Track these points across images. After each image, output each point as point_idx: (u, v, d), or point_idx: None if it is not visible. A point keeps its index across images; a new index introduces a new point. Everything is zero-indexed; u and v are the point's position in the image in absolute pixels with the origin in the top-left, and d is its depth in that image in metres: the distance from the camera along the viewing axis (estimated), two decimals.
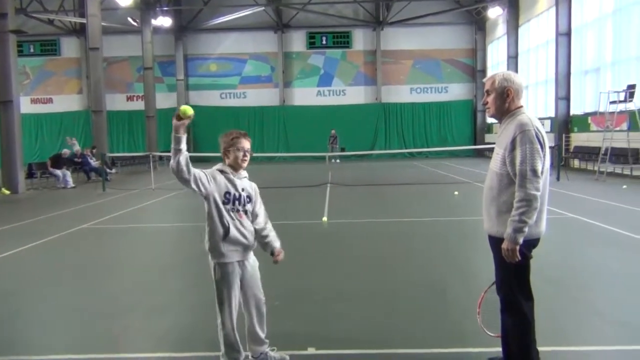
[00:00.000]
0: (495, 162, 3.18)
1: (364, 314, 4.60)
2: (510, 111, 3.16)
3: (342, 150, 28.34)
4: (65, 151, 19.07)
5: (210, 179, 3.28)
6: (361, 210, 10.87)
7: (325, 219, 9.60)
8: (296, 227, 9.17)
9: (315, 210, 10.66)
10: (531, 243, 3.12)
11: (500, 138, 3.20)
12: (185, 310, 4.90)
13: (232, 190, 3.34)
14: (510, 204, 3.03)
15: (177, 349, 4.00)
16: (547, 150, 3.06)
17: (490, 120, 31.08)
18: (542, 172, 2.98)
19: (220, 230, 3.30)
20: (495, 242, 3.16)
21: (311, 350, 3.84)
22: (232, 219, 3.33)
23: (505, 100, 3.15)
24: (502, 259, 3.10)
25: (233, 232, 3.31)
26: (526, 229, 2.98)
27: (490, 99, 3.20)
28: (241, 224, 3.37)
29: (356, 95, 32.23)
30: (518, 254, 3.02)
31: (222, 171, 3.37)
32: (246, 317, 3.52)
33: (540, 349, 3.28)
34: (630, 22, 17.02)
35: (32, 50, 32.59)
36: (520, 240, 2.99)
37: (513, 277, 3.15)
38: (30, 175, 17.57)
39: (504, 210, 3.08)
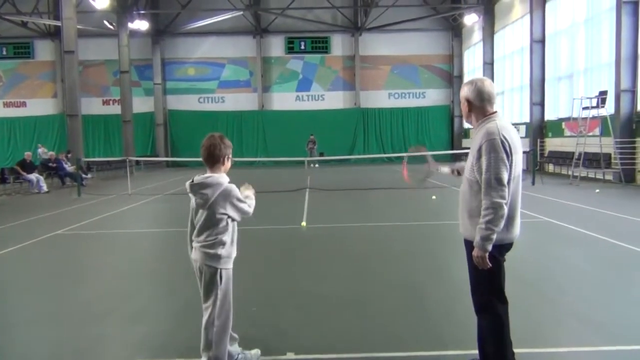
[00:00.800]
0: (467, 168, 3.24)
1: (343, 318, 4.61)
2: (482, 118, 3.20)
3: (321, 155, 28.38)
4: (28, 154, 18.53)
5: None
6: (340, 215, 10.90)
7: (304, 223, 9.59)
8: (275, 232, 9.14)
9: (294, 215, 10.65)
10: (504, 247, 3.17)
11: (471, 145, 3.26)
12: (162, 317, 4.84)
13: None
14: (479, 210, 3.08)
15: (155, 355, 3.95)
16: (516, 158, 3.08)
17: (467, 125, 31.48)
18: (508, 181, 3.02)
19: (235, 238, 3.45)
20: (469, 245, 3.21)
21: (290, 356, 3.82)
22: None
23: (473, 108, 3.21)
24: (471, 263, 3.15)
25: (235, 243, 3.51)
26: (494, 237, 3.01)
27: (463, 106, 3.29)
28: None
29: (335, 100, 32.35)
30: (488, 261, 3.06)
31: (230, 183, 3.41)
32: None
33: (516, 350, 3.33)
34: (601, 30, 17.45)
35: (4, 53, 31.95)
36: (489, 248, 3.03)
37: (486, 280, 3.19)
38: (2, 180, 17.18)
39: (475, 214, 3.13)
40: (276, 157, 27.86)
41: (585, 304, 4.90)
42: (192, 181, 3.34)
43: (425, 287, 5.53)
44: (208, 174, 3.35)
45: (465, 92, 3.21)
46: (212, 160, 3.36)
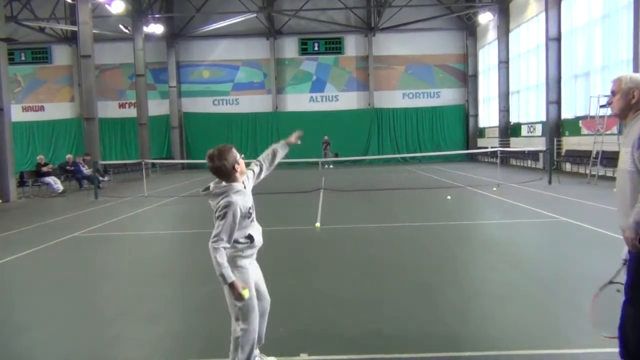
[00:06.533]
0: (625, 161, 3.21)
1: (356, 319, 4.59)
2: (637, 111, 3.21)
3: (335, 155, 28.36)
4: (41, 157, 18.83)
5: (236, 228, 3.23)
6: (354, 216, 10.88)
7: (318, 224, 9.60)
8: (289, 232, 9.16)
9: (308, 216, 10.66)
10: None
11: (627, 137, 3.24)
12: (178, 318, 4.88)
13: (250, 203, 3.36)
14: None
15: (171, 356, 3.98)
16: None
17: (482, 124, 31.26)
18: None
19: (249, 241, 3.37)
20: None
21: (303, 356, 3.82)
22: (253, 226, 3.39)
23: (630, 101, 3.22)
24: (633, 260, 3.11)
25: (258, 237, 3.41)
26: None
27: (615, 99, 3.30)
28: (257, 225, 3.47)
29: (349, 100, 32.32)
30: (637, 242, 3.03)
31: (238, 192, 3.26)
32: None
33: (533, 352, 3.29)
34: (618, 27, 17.20)
35: (23, 58, 32.49)
36: None
37: None
38: (21, 183, 17.46)
39: None
40: (290, 158, 27.85)
41: (601, 305, 4.82)
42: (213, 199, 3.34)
43: (440, 288, 5.49)
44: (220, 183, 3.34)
45: (630, 84, 3.21)
46: (224, 177, 3.31)
